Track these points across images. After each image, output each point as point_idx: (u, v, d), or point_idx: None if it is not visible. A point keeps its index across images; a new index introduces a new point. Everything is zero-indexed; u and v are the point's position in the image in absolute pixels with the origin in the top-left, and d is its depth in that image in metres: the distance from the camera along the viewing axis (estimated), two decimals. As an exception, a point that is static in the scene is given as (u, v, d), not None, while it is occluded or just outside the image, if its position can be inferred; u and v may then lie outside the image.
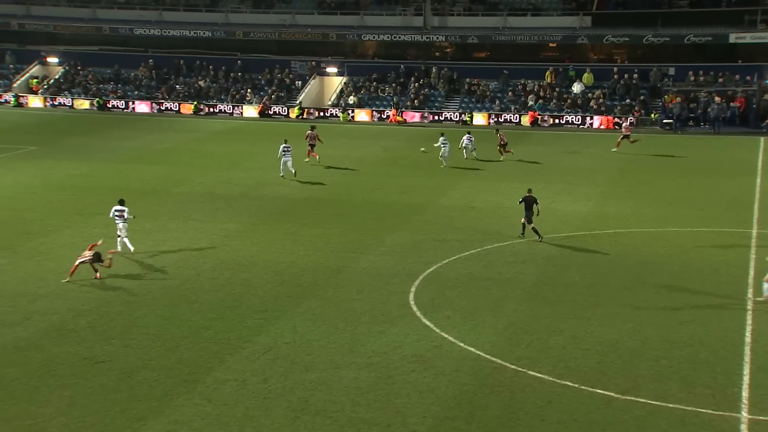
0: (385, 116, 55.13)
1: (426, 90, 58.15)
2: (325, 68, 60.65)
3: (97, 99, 58.14)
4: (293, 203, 32.59)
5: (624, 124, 46.78)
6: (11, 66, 62.77)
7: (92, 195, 33.20)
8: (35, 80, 61.35)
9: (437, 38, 60.00)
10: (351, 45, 62.72)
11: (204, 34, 61.71)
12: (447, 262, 25.10)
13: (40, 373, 17.38)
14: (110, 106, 57.96)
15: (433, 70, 59.33)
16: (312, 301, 21.79)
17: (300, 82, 59.81)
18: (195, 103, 57.42)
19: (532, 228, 27.00)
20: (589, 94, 55.80)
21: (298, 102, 57.38)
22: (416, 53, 61.78)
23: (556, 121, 54.05)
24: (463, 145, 41.48)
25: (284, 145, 36.74)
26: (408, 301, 21.76)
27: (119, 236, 25.68)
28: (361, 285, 23.06)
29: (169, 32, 61.99)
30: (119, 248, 25.48)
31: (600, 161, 41.97)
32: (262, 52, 62.45)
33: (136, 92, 60.12)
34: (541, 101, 55.84)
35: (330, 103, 58.42)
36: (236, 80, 60.33)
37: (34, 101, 59.12)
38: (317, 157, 39.85)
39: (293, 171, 36.56)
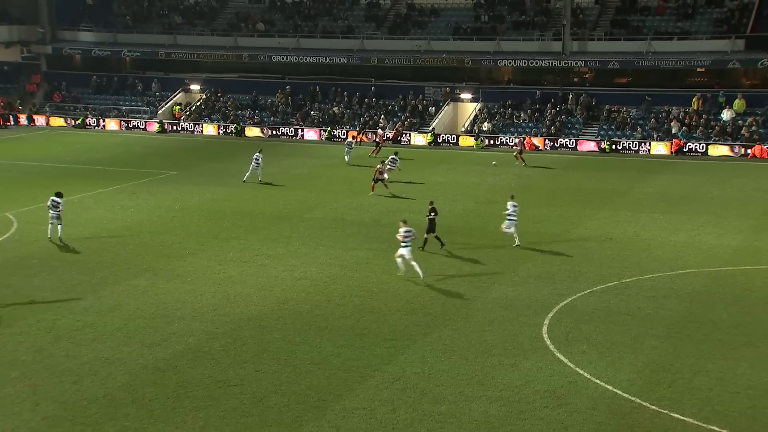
0: (512, 143, 54.78)
1: (563, 117, 57.32)
2: (459, 94, 60.88)
3: (235, 125, 60.59)
4: (424, 230, 32.66)
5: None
6: (157, 93, 66.47)
7: (228, 219, 34.52)
8: (178, 107, 64.66)
9: (576, 63, 59.11)
10: (486, 71, 62.71)
11: (339, 60, 63.30)
12: (582, 294, 24.51)
13: (177, 394, 18.12)
14: (247, 132, 60.24)
15: (571, 96, 58.44)
16: (442, 331, 21.76)
17: (433, 109, 60.29)
18: (329, 129, 58.84)
19: (435, 236, 28.68)
20: (740, 122, 53.37)
21: (431, 128, 57.81)
22: (553, 79, 61.05)
23: (703, 149, 51.98)
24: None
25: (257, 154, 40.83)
26: (541, 334, 21.38)
27: (51, 223, 29.72)
28: (492, 316, 22.85)
29: (305, 59, 63.95)
30: (49, 234, 29.17)
31: (752, 192, 40.00)
32: (396, 78, 63.41)
33: (272, 118, 62.26)
34: (685, 129, 53.88)
35: (463, 129, 58.53)
36: (370, 106, 61.45)
37: (177, 127, 62.23)
38: (387, 187, 39.16)
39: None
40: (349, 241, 30.99)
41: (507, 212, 29.96)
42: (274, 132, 60.03)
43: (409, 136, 57.55)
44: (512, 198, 30.54)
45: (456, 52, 61.35)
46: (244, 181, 41.43)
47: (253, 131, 60.51)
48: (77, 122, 63.20)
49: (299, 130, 59.83)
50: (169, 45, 67.86)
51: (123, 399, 17.86)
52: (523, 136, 54.16)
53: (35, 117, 64.42)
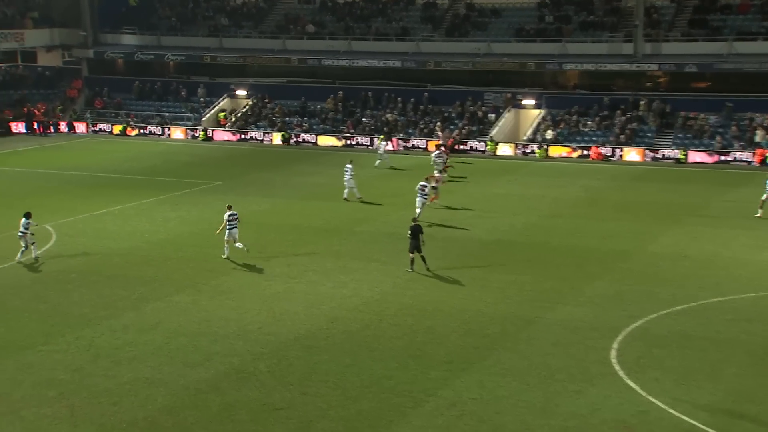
0: (585, 153, 54.22)
1: (634, 124, 56.63)
2: (521, 100, 60.62)
3: (282, 133, 61.19)
4: (482, 246, 32.63)
5: None
6: (202, 99, 67.43)
7: (274, 232, 34.85)
8: (223, 113, 65.55)
9: (649, 67, 58.38)
10: (550, 75, 62.33)
11: (393, 64, 63.50)
12: (655, 316, 24.14)
13: (220, 417, 18.31)
14: (296, 139, 60.73)
15: (643, 102, 57.71)
16: (501, 354, 21.64)
17: (493, 115, 60.11)
18: (381, 137, 59.06)
19: (421, 257, 28.73)
20: (831, 129, 52.07)
21: (489, 136, 57.64)
22: (624, 84, 60.34)
23: (790, 159, 50.83)
24: None
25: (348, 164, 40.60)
26: (609, 359, 21.11)
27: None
28: (555, 338, 22.66)
29: (357, 63, 64.27)
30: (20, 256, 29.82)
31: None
32: (453, 83, 63.40)
33: (321, 125, 62.69)
34: (771, 137, 52.78)
35: (525, 138, 58.21)
36: (425, 113, 61.54)
37: (222, 135, 63.11)
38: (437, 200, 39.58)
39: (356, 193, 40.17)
40: (402, 257, 30.94)
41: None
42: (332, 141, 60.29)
43: (467, 144, 57.41)
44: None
45: (518, 55, 61.11)
46: (345, 200, 40.59)
47: (321, 140, 60.57)
48: (120, 129, 64.43)
49: (350, 138, 60.14)
50: (214, 48, 68.92)
51: (163, 422, 18.11)
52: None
53: (76, 124, 65.86)
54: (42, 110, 66.54)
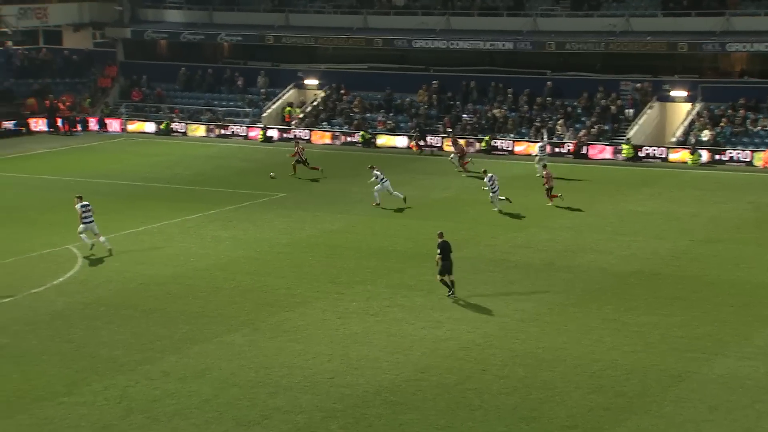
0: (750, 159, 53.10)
1: (820, 121, 55.20)
2: (669, 91, 59.75)
3: (362, 132, 61.53)
4: (617, 278, 32.24)
5: None
6: (263, 90, 68.14)
7: (350, 258, 35.03)
8: (289, 108, 66.14)
9: None
10: (709, 58, 61.29)
11: (503, 45, 63.24)
12: None
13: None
14: (377, 141, 61.02)
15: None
16: (641, 419, 21.34)
17: (631, 111, 59.37)
18: (486, 138, 58.94)
19: (450, 280, 29.89)
20: None
21: (626, 138, 56.95)
22: (808, 69, 58.96)
23: None
24: None
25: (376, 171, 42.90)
26: (785, 430, 20.59)
27: None
28: (715, 400, 22.27)
29: (456, 44, 64.20)
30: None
31: None
32: (580, 70, 62.91)
33: (410, 123, 62.68)
34: None
35: (674, 140, 57.30)
36: (543, 107, 61.14)
37: (287, 135, 63.58)
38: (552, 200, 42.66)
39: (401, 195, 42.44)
40: (512, 290, 30.80)
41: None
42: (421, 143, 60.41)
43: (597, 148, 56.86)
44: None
45: (666, 33, 60.30)
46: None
47: (390, 140, 61.16)
48: (161, 127, 65.67)
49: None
50: (279, 27, 69.68)
51: (210, 494, 18.36)
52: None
53: (108, 120, 67.19)
54: (68, 103, 68.12)
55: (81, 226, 35.11)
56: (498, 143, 58.78)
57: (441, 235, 30.45)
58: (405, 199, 42.87)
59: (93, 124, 67.22)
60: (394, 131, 61.91)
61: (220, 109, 67.67)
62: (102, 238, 35.20)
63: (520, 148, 57.85)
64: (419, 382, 23.59)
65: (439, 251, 29.97)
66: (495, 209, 41.85)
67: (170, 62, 72.77)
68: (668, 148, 56.20)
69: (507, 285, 31.47)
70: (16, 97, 68.05)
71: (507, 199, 42.03)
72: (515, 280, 32.05)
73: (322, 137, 62.56)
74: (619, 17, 61.97)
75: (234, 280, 32.42)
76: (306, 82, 67.92)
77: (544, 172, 44.11)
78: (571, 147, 56.94)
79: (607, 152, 56.79)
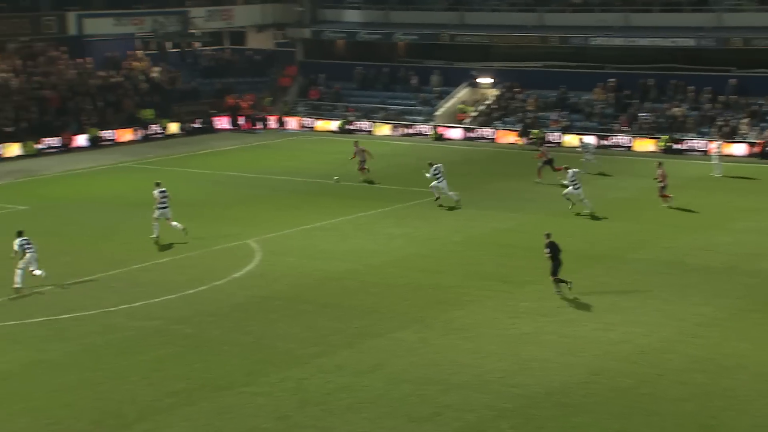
0: None
1: None
2: None
3: (536, 131, 61.09)
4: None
5: None
6: (436, 89, 68.52)
7: (521, 257, 34.77)
8: (463, 107, 66.23)
9: None
10: None
11: (684, 42, 61.77)
12: None
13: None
14: (549, 139, 60.40)
15: None
16: (826, 432, 20.43)
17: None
18: (665, 137, 57.65)
19: (557, 280, 29.88)
20: None
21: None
22: None
23: None
24: None
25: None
26: None
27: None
28: None
29: (636, 41, 63.14)
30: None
31: None
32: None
33: (585, 122, 61.97)
34: None
35: None
36: (727, 105, 59.35)
37: (458, 133, 63.74)
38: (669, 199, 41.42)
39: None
40: (690, 294, 30.05)
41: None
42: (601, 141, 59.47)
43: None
44: None
45: None
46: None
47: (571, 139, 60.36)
48: (339, 126, 66.70)
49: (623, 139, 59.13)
50: (453, 25, 69.92)
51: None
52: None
53: (286, 119, 68.72)
54: (249, 102, 69.99)
55: (157, 211, 36.79)
56: (679, 145, 57.29)
57: (548, 235, 30.40)
58: (458, 201, 42.56)
59: (273, 122, 68.83)
60: (567, 130, 61.23)
61: (394, 107, 68.23)
62: (174, 223, 36.76)
63: (700, 147, 56.25)
64: (592, 385, 23.24)
65: (548, 251, 29.94)
66: (587, 210, 40.79)
67: (347, 61, 73.81)
68: None
69: (684, 288, 30.71)
70: (201, 97, 70.26)
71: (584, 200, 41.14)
72: (693, 284, 31.23)
73: (504, 135, 62.26)
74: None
75: (406, 277, 32.64)
76: (479, 80, 67.87)
77: (659, 171, 42.25)
78: (757, 147, 55.02)
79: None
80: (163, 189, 37.30)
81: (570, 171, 41.70)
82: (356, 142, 50.86)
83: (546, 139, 58.94)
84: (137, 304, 30.02)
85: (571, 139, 59.21)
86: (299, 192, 47.03)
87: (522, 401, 22.35)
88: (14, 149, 56.95)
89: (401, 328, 27.48)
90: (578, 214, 40.71)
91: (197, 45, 76.16)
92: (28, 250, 31.28)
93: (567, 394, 22.69)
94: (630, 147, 58.58)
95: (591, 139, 55.69)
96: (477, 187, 47.46)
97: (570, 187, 41.35)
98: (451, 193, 42.79)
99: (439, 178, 42.73)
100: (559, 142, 59.36)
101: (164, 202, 36.98)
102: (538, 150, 50.75)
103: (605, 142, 58.88)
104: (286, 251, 35.97)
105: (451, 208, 42.18)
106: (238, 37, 78.79)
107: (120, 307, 29.72)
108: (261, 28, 76.76)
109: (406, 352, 25.62)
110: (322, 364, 24.85)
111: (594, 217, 40.40)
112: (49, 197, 46.60)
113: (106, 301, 30.33)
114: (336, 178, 48.16)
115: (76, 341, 26.93)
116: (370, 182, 48.23)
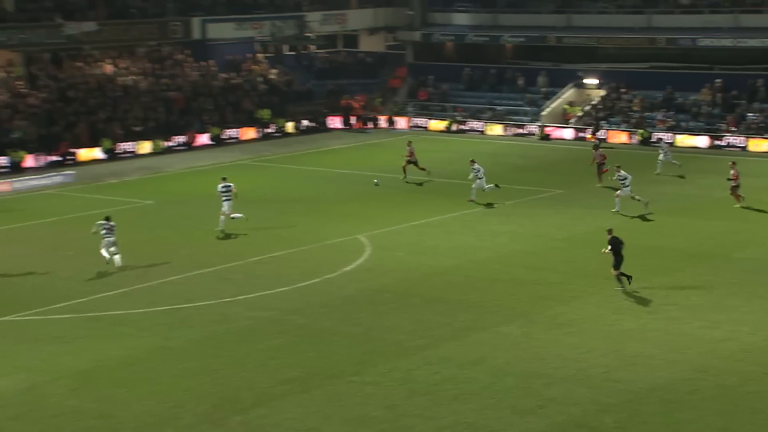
0: None
1: None
2: None
3: (641, 131, 60.24)
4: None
5: None
6: (543, 89, 68.15)
7: (625, 254, 34.27)
8: (569, 107, 65.67)
9: None
10: None
11: (796, 42, 60.39)
12: None
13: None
14: (654, 139, 59.42)
15: None
16: None
17: None
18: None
19: (619, 275, 29.66)
20: None
21: None
22: None
23: None
24: None
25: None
26: None
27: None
28: None
29: (745, 42, 61.89)
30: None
31: None
32: None
33: (691, 122, 60.92)
34: None
35: None
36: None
37: (564, 133, 63.18)
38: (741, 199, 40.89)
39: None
40: (796, 295, 29.41)
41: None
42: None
43: None
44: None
45: None
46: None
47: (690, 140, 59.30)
48: (448, 126, 66.72)
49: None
50: (560, 27, 69.46)
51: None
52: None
53: (396, 119, 69.06)
54: (361, 103, 70.68)
55: (224, 205, 37.89)
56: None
57: (610, 231, 30.46)
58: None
59: (383, 121, 69.26)
60: (674, 129, 60.21)
61: (500, 107, 67.98)
62: (235, 215, 37.90)
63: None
64: (696, 382, 22.94)
65: (609, 247, 29.92)
66: (647, 211, 40.23)
67: (455, 63, 73.85)
68: None
69: (791, 288, 30.07)
70: (315, 97, 71.13)
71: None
72: (801, 284, 30.55)
73: (615, 136, 61.46)
74: None
75: (510, 272, 32.63)
76: (585, 81, 67.27)
77: (732, 171, 41.50)
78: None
79: None
80: (227, 184, 38.44)
81: (621, 172, 41.08)
82: (410, 142, 51.00)
83: (598, 143, 56.95)
84: (253, 295, 30.66)
85: (682, 138, 58.44)
86: (407, 189, 47.29)
87: (625, 396, 22.18)
88: (146, 147, 58.65)
89: (505, 323, 27.50)
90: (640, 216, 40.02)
91: (312, 48, 77.07)
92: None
93: (671, 391, 22.44)
94: (744, 147, 57.32)
95: (666, 139, 55.40)
96: (583, 186, 47.04)
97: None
98: (487, 186, 43.36)
99: (480, 177, 43.26)
100: (671, 142, 57.88)
101: (228, 197, 37.94)
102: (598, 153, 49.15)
103: (718, 143, 57.89)
104: (395, 246, 36.23)
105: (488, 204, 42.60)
106: (351, 40, 79.50)
107: (237, 298, 30.42)
108: (373, 31, 77.41)
109: (510, 346, 25.65)
110: (428, 356, 25.02)
111: (644, 218, 39.72)
112: (172, 192, 47.81)
113: (225, 291, 31.04)
114: (375, 181, 48.09)
115: (198, 329, 27.66)
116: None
